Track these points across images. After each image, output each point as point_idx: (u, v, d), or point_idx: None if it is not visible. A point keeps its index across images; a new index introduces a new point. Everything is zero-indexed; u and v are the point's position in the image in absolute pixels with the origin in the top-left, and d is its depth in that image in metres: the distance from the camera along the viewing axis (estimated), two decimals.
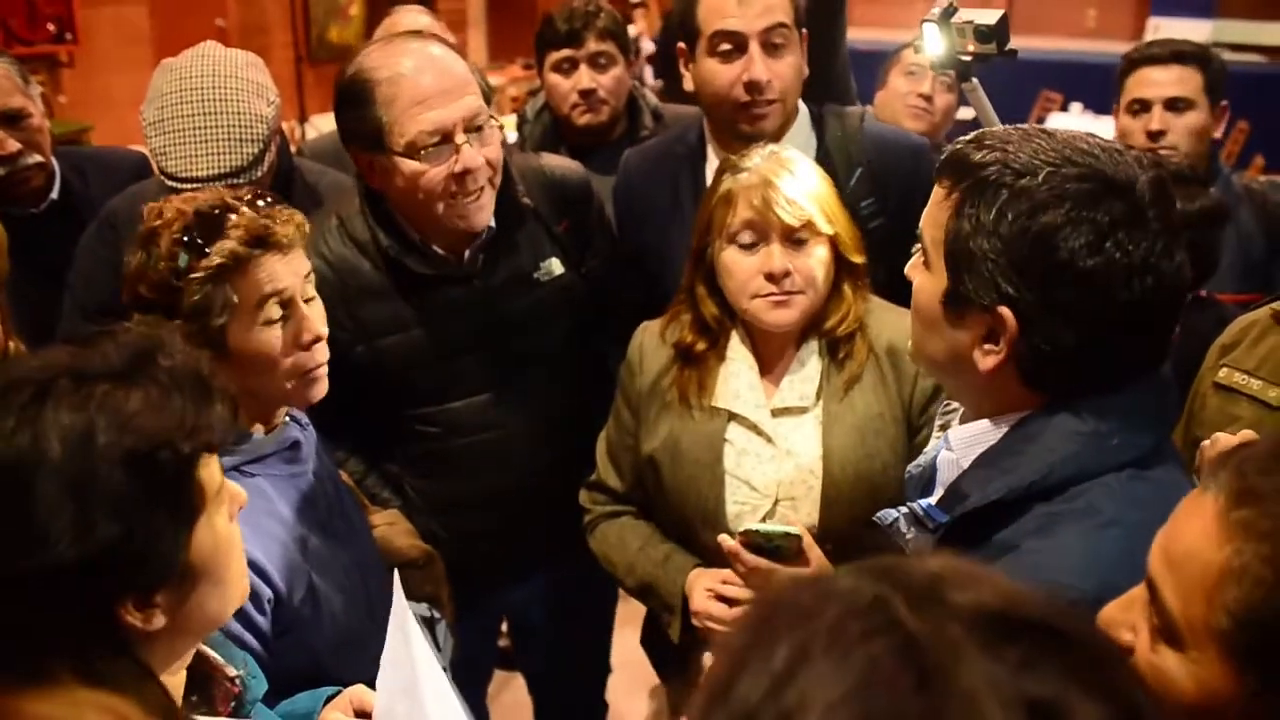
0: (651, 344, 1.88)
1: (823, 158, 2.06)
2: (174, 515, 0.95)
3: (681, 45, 2.06)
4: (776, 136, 2.03)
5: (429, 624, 1.82)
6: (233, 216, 1.45)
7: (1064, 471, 1.05)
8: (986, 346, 1.09)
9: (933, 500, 1.16)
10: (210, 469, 1.01)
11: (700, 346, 1.81)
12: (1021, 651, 0.52)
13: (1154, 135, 2.46)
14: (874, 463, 1.73)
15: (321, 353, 1.55)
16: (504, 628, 2.56)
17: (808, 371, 1.77)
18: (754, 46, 1.94)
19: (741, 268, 1.71)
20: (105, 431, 0.91)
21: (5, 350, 1.76)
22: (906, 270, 1.21)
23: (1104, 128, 2.31)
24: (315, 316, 1.54)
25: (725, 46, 1.96)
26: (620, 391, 1.93)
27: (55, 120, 2.44)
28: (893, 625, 0.53)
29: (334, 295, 1.84)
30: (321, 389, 1.57)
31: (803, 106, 2.10)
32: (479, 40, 9.90)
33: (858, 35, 2.39)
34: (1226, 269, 2.36)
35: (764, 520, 1.74)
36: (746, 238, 1.70)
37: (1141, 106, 2.50)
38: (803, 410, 1.76)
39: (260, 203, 1.49)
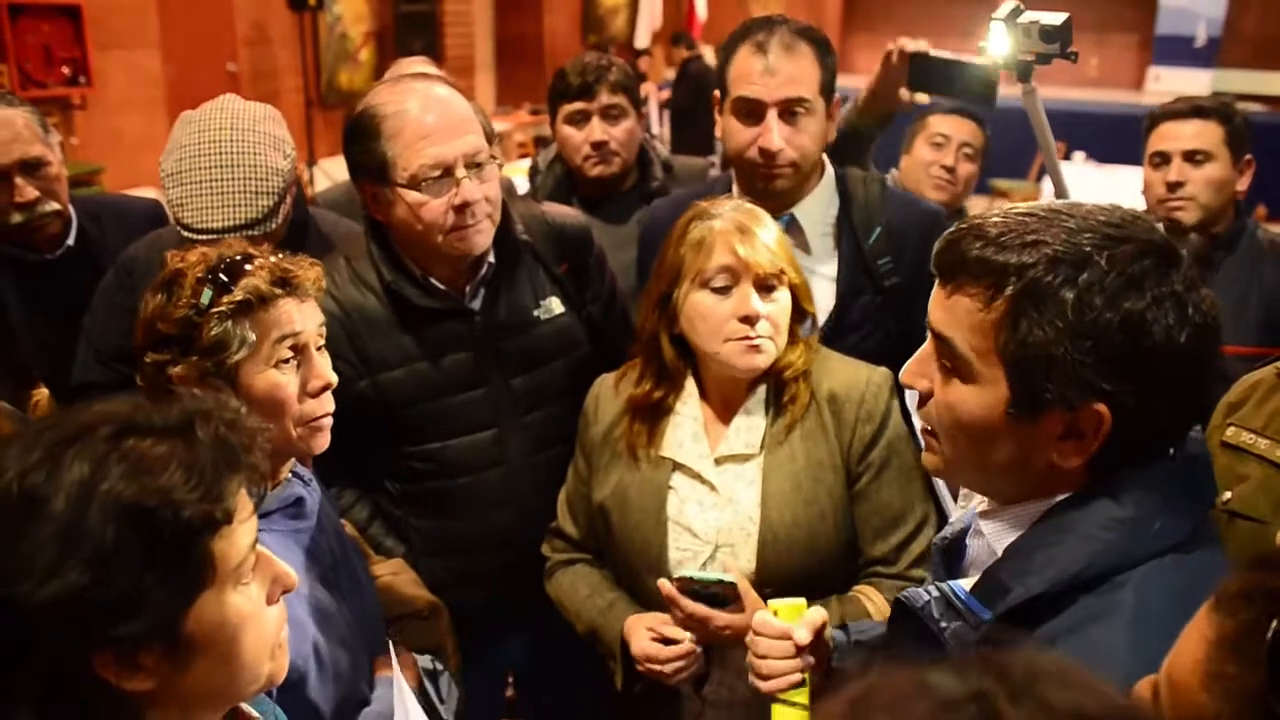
0: (607, 395, 1.93)
1: (844, 216, 2.13)
2: (169, 578, 0.92)
3: (716, 94, 2.15)
4: (800, 195, 2.11)
5: (432, 676, 1.82)
6: (256, 260, 1.49)
7: (1104, 561, 1.02)
8: (1068, 443, 1.05)
9: (966, 585, 1.12)
10: (230, 542, 0.98)
11: (657, 395, 1.84)
12: None
13: (1173, 186, 2.50)
14: (811, 510, 1.75)
15: (328, 402, 1.57)
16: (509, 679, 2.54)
17: (754, 419, 1.80)
18: (771, 115, 2.01)
19: (716, 312, 1.73)
20: (111, 482, 0.91)
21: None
22: (905, 379, 1.17)
23: (1107, 177, 2.34)
24: (324, 365, 1.56)
25: (745, 111, 2.04)
26: (578, 441, 1.97)
27: (67, 162, 2.46)
28: (992, 717, 0.54)
29: (340, 332, 1.88)
30: (325, 440, 1.58)
31: (829, 168, 2.16)
32: (487, 85, 10.03)
33: (861, 84, 2.44)
34: (1251, 322, 2.39)
35: (704, 566, 1.77)
36: (721, 281, 1.73)
37: (1162, 159, 2.55)
38: (747, 457, 1.79)
39: (281, 254, 1.53)
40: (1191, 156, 2.51)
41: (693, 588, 1.69)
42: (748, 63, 2.03)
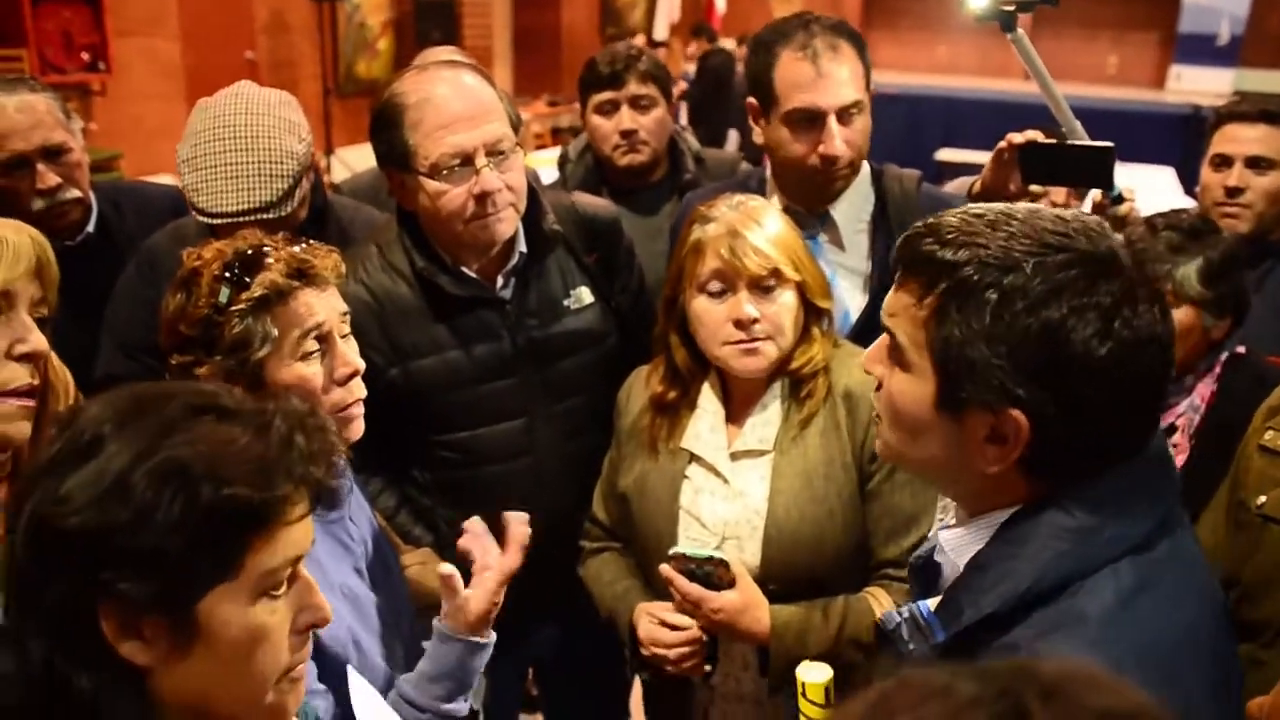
0: (639, 386, 1.95)
1: (880, 214, 2.11)
2: (195, 551, 0.92)
3: (753, 102, 2.10)
4: (839, 192, 2.09)
5: None
6: (272, 253, 1.47)
7: (1057, 573, 1.01)
8: (992, 447, 1.04)
9: (933, 604, 1.11)
10: (270, 546, 0.96)
11: (672, 395, 1.86)
12: None
13: (1231, 191, 2.44)
14: (820, 507, 1.75)
15: (358, 388, 1.55)
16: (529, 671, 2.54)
17: (770, 414, 1.81)
18: (831, 121, 1.98)
19: (712, 316, 1.75)
20: (171, 443, 0.93)
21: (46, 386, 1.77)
22: (865, 364, 1.19)
23: (1127, 176, 2.28)
24: (351, 352, 1.55)
25: (804, 119, 2.00)
26: (614, 430, 1.99)
27: (86, 148, 2.46)
28: (1020, 715, 0.53)
29: (371, 320, 1.89)
30: (358, 429, 1.57)
31: (865, 164, 2.14)
32: (504, 76, 10.02)
33: (880, 79, 2.42)
34: None
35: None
36: (715, 286, 1.74)
37: (1223, 161, 2.48)
38: (762, 452, 1.80)
39: (297, 244, 1.52)
40: (1255, 162, 2.44)
41: (688, 566, 1.71)
42: (798, 70, 1.98)
